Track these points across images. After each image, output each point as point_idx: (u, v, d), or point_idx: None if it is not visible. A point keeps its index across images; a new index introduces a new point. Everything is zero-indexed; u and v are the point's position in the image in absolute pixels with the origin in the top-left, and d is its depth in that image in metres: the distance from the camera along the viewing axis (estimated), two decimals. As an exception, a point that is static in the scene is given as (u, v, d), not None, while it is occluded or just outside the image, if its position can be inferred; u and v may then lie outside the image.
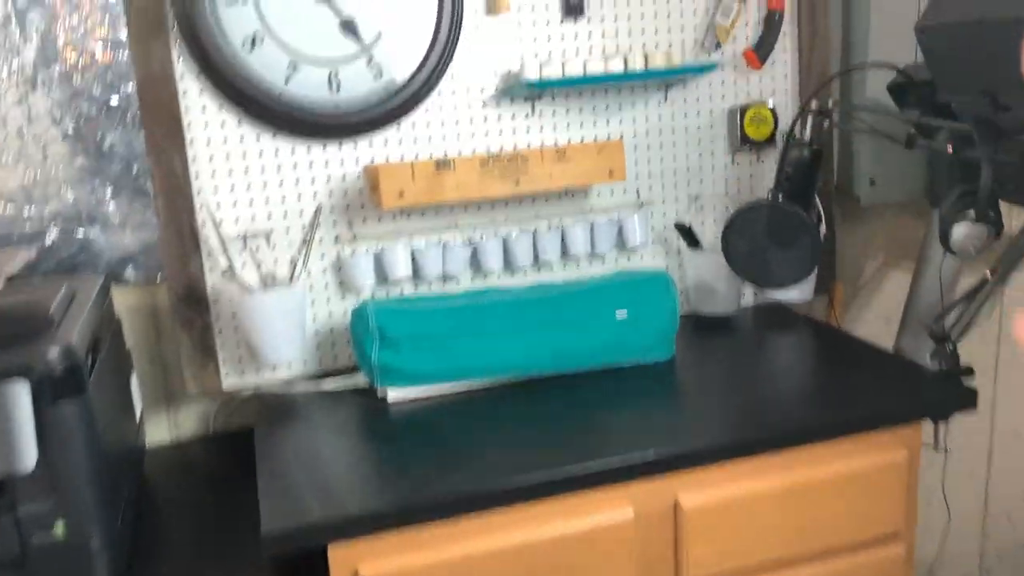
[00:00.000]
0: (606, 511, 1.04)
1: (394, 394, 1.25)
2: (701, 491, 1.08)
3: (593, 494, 1.03)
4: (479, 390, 1.27)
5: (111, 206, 1.29)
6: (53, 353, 0.90)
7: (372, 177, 1.31)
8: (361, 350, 1.25)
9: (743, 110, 1.50)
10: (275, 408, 1.27)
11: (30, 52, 1.22)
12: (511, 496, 1.00)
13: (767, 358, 1.34)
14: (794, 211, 1.24)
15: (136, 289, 1.33)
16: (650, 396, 1.22)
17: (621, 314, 1.30)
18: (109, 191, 1.28)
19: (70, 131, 1.25)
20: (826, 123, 1.29)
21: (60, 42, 1.23)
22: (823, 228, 1.42)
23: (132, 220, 1.31)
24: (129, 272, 1.32)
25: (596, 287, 1.33)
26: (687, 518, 1.07)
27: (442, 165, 1.28)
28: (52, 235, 1.27)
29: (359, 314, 1.26)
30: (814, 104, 1.28)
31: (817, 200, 1.35)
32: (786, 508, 1.11)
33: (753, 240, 1.29)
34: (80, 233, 1.28)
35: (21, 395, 0.88)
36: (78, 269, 1.29)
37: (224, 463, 1.31)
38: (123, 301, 1.33)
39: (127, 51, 1.24)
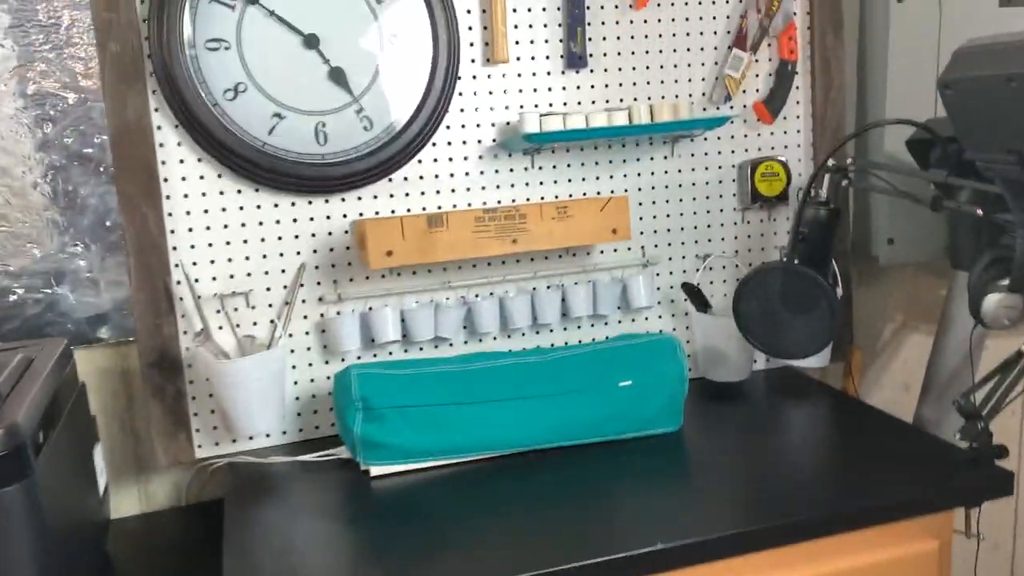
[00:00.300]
0: (608, 610, 0.94)
1: (378, 469, 1.16)
2: (713, 587, 0.98)
3: (593, 591, 0.93)
4: (471, 462, 1.17)
5: (81, 262, 1.21)
6: (-6, 434, 0.81)
7: (359, 234, 1.23)
8: (343, 421, 1.16)
9: (754, 165, 1.42)
10: (248, 481, 1.17)
11: (-2, 100, 1.15)
12: (502, 594, 0.90)
13: (783, 431, 1.25)
14: (811, 276, 1.16)
15: (107, 350, 1.25)
16: (657, 474, 1.12)
17: (625, 382, 1.21)
18: (80, 247, 1.20)
19: (39, 182, 1.18)
20: (844, 182, 1.21)
21: (30, 88, 1.16)
22: (839, 290, 1.33)
23: (105, 277, 1.22)
24: (102, 332, 1.23)
25: (598, 352, 1.24)
26: (697, 617, 0.97)
27: (434, 222, 1.20)
28: (16, 293, 1.19)
29: (341, 381, 1.17)
30: (831, 162, 1.20)
31: (834, 263, 1.27)
32: (806, 605, 1.00)
33: (767, 305, 1.20)
34: (48, 291, 1.20)
35: (-46, 483, 0.78)
36: (45, 328, 1.21)
37: (196, 536, 1.21)
38: (92, 362, 1.24)
39: (101, 99, 1.17)
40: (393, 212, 1.30)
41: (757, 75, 1.42)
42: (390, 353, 1.33)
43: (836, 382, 1.57)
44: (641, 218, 1.41)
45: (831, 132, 1.43)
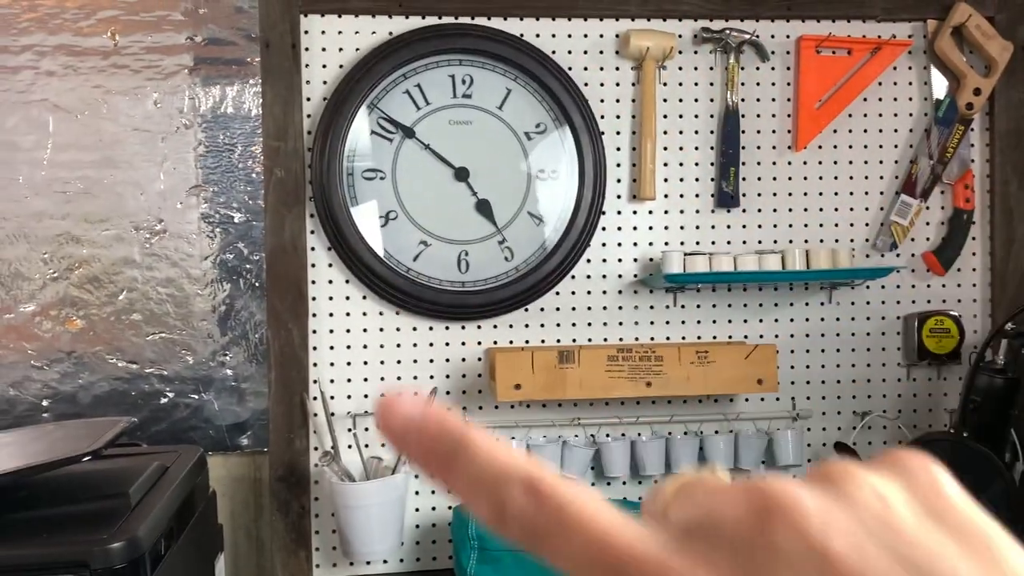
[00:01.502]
0: None
1: (488, 615, 1.10)
2: None
3: None
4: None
5: (228, 371, 1.26)
6: (116, 545, 0.83)
7: (491, 363, 1.21)
8: (457, 557, 1.12)
9: (922, 319, 1.30)
10: (359, 611, 1.15)
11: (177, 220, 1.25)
12: None
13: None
14: (983, 452, 1.03)
15: (242, 458, 1.28)
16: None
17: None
18: (228, 356, 1.26)
19: (200, 294, 1.26)
20: (1026, 347, 1.08)
21: (203, 208, 1.25)
22: (1020, 467, 1.17)
23: (248, 388, 1.27)
24: (241, 440, 1.27)
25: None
26: None
27: (565, 358, 1.17)
28: (167, 397, 1.25)
29: (459, 515, 1.14)
30: (1010, 325, 1.08)
31: (1013, 434, 1.12)
32: None
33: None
34: (195, 397, 1.26)
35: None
36: (188, 433, 1.26)
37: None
38: (226, 469, 1.28)
39: (262, 219, 1.25)
40: (527, 343, 1.28)
41: (928, 223, 1.32)
42: (514, 488, 1.29)
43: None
44: (793, 367, 1.32)
45: (1012, 290, 1.30)
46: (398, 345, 1.26)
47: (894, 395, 1.34)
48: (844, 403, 1.33)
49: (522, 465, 0.17)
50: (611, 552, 0.16)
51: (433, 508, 1.28)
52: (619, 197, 1.29)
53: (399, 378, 1.26)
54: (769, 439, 1.29)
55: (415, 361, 1.27)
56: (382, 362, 1.26)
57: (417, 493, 1.27)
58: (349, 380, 1.25)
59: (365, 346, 1.26)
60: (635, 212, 1.30)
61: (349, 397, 1.25)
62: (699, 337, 1.31)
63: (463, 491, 0.18)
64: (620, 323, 1.30)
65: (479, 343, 1.28)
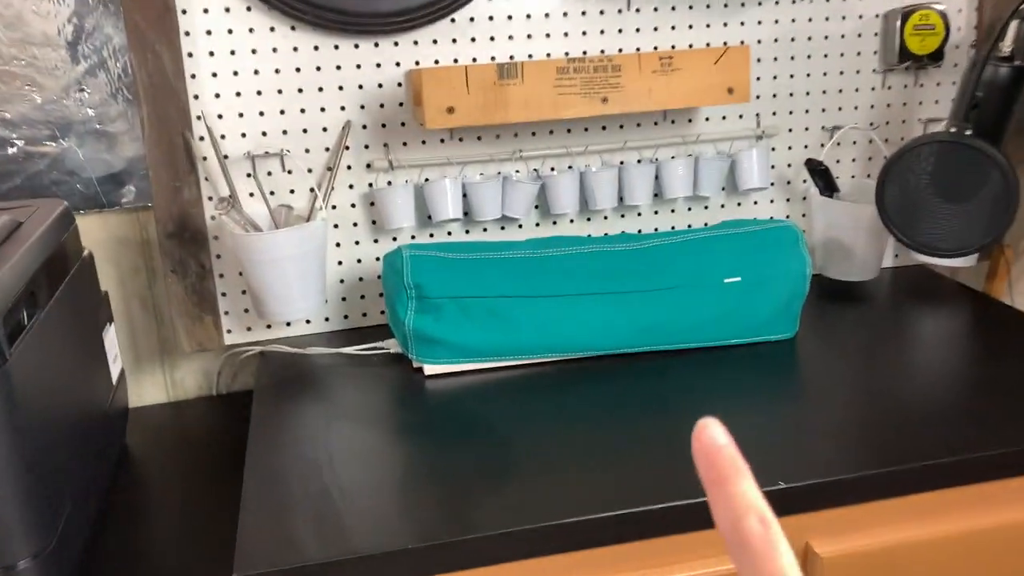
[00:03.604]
0: (711, 561, 0.76)
1: (433, 367, 0.98)
2: (840, 536, 0.78)
3: (692, 538, 0.75)
4: (542, 365, 0.99)
5: (90, 111, 1.02)
6: (-51, 313, 0.64)
7: (415, 87, 1.01)
8: (393, 310, 0.98)
9: (905, 15, 1.14)
10: (282, 374, 1.01)
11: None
12: (576, 537, 0.72)
13: (917, 346, 1.02)
14: (988, 150, 0.90)
15: (124, 216, 1.08)
16: (766, 392, 0.92)
17: (732, 279, 1.00)
18: (87, 92, 1.02)
19: (36, 13, 0.98)
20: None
21: None
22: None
23: (118, 131, 1.04)
24: (120, 194, 1.06)
25: (701, 242, 1.02)
26: (823, 569, 0.78)
27: (507, 72, 0.97)
28: (16, 145, 1.01)
29: (392, 263, 0.98)
30: (1027, 3, 0.92)
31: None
32: (949, 561, 0.81)
33: (918, 186, 0.95)
34: (51, 144, 1.02)
35: None
36: (51, 189, 1.04)
37: (224, 429, 1.05)
38: (106, 230, 1.07)
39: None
40: (456, 62, 1.07)
41: None
42: (449, 233, 1.13)
43: (977, 284, 1.32)
44: (759, 78, 1.16)
45: (1011, -28, 1.13)
46: (297, 69, 1.04)
47: (867, 105, 1.20)
48: (812, 117, 1.19)
49: (761, 502, 0.25)
50: None
51: (359, 260, 1.11)
52: None
53: (303, 111, 1.05)
54: (732, 161, 1.15)
55: (320, 89, 1.05)
56: (280, 91, 1.04)
57: (338, 245, 1.10)
58: (241, 115, 1.03)
59: (256, 72, 1.03)
60: None
61: (244, 135, 1.04)
62: (656, 48, 1.12)
63: (720, 504, 0.26)
64: (566, 34, 1.09)
65: (397, 64, 1.06)
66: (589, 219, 1.16)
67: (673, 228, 1.19)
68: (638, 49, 1.11)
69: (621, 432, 0.83)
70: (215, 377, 1.15)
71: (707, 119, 1.16)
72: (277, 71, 1.03)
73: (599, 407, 0.89)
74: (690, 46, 1.12)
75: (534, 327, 0.97)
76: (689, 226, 1.19)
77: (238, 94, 1.02)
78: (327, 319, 1.12)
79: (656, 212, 1.18)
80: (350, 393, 0.96)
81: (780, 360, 0.99)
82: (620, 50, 1.11)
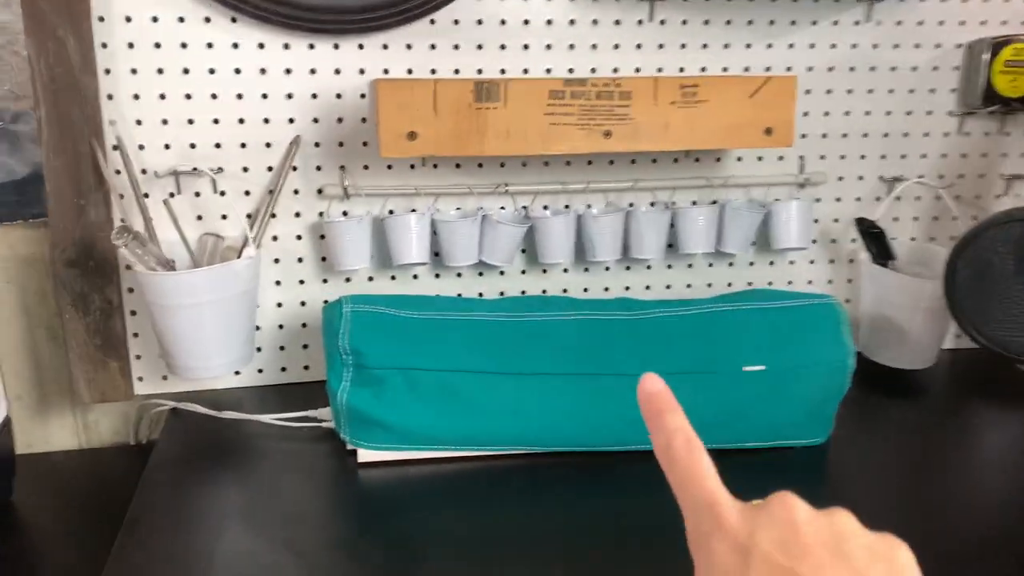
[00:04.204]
0: None
1: (369, 453, 0.79)
2: None
3: None
4: (509, 458, 0.79)
5: (-14, 107, 0.84)
6: None
7: (375, 99, 0.81)
8: (328, 377, 0.79)
9: (996, 47, 0.92)
10: (187, 445, 0.82)
11: None
12: None
13: (984, 457, 0.81)
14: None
15: (27, 232, 0.90)
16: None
17: (754, 367, 0.79)
18: (-20, 83, 0.84)
19: (-81, -17, 0.80)
20: None
21: None
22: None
23: (23, 131, 0.86)
24: (25, 205, 0.88)
25: (716, 317, 0.81)
26: None
27: (486, 93, 0.77)
28: None
29: (329, 319, 0.79)
30: None
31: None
32: None
33: (1004, 273, 0.74)
34: (-61, 143, 0.85)
35: None
36: (-61, 196, 0.86)
37: (132, 483, 0.88)
38: (9, 246, 0.89)
39: None
40: (435, 73, 0.87)
41: (1026, -99, 0.90)
42: (415, 277, 0.94)
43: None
44: (806, 113, 0.95)
45: None
46: (237, 71, 0.85)
47: (937, 154, 0.98)
48: (869, 165, 0.98)
49: (689, 429, 0.34)
50: (708, 495, 0.32)
51: (303, 303, 0.93)
52: None
53: (241, 121, 0.86)
54: (767, 213, 0.94)
55: (264, 96, 0.86)
56: (214, 96, 0.85)
57: (279, 284, 0.91)
58: (165, 122, 0.85)
59: (186, 71, 0.84)
60: None
61: (168, 147, 0.85)
62: (682, 70, 0.92)
63: (656, 432, 0.35)
64: (571, 46, 0.89)
65: (361, 72, 0.87)
66: (587, 269, 0.97)
67: (689, 287, 0.98)
68: (660, 70, 0.91)
69: (608, 560, 0.63)
70: (133, 425, 0.97)
71: (739, 159, 0.95)
72: (212, 71, 0.84)
73: (580, 520, 0.69)
74: (724, 70, 0.92)
75: (501, 411, 0.77)
76: (709, 286, 0.99)
77: (162, 96, 0.84)
78: (260, 371, 0.93)
79: (669, 267, 0.98)
80: (263, 476, 0.77)
81: (806, 472, 0.79)
82: (638, 70, 0.90)
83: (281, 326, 0.92)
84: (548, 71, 0.89)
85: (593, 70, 0.90)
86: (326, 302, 0.92)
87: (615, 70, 0.90)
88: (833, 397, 0.81)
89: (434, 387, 0.76)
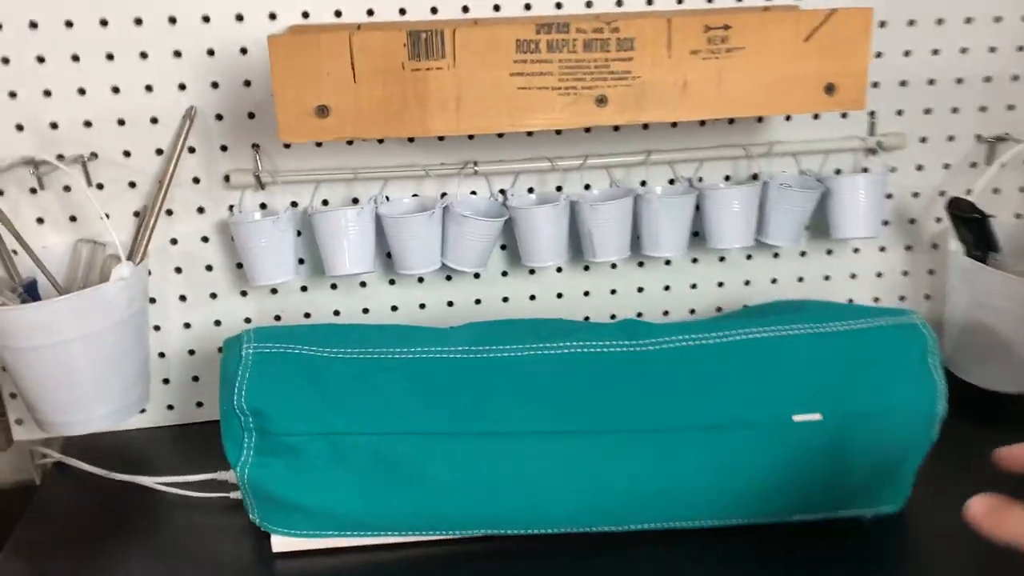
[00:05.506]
0: None
1: (284, 541, 0.59)
2: None
3: None
4: (468, 543, 0.59)
5: None
6: None
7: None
8: (224, 441, 0.59)
9: None
10: (66, 509, 0.64)
11: None
12: None
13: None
14: None
15: None
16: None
17: (807, 416, 0.58)
18: None
19: None
20: None
21: None
22: None
23: None
24: None
25: (754, 346, 0.59)
26: None
27: (424, 46, 0.55)
28: None
29: (226, 363, 0.59)
30: None
31: None
32: None
33: None
34: None
35: None
36: None
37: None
38: None
39: None
40: (371, 15, 0.65)
41: None
42: (363, 285, 0.73)
43: None
44: (879, 54, 0.70)
45: None
46: (103, 22, 0.63)
47: (1057, 107, 0.73)
48: (963, 121, 0.73)
49: None
50: None
51: (217, 323, 0.72)
52: None
53: (116, 89, 0.64)
54: (825, 190, 0.71)
55: (143, 56, 0.64)
56: (75, 57, 0.63)
57: (184, 299, 0.71)
58: (13, 95, 0.64)
59: (34, 24, 0.62)
60: None
61: (20, 128, 0.64)
62: (709, 1, 0.67)
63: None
64: (553, -29, 0.65)
65: (272, 16, 0.64)
66: (587, 267, 0.75)
67: (721, 285, 0.76)
68: (679, 1, 0.67)
69: None
70: (34, 465, 0.79)
71: (787, 118, 0.71)
72: (69, 24, 0.62)
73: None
74: (767, 3, 0.67)
75: (457, 486, 0.56)
76: (747, 284, 0.76)
77: (5, 60, 0.63)
78: (171, 407, 0.74)
79: (695, 260, 0.75)
80: (147, 565, 0.58)
81: (879, 549, 0.58)
82: (649, 2, 0.67)
83: (192, 351, 0.72)
84: (527, 7, 0.66)
85: (589, 3, 0.66)
86: (247, 319, 0.72)
87: (618, 3, 0.67)
88: (914, 454, 0.59)
89: (367, 455, 0.56)
